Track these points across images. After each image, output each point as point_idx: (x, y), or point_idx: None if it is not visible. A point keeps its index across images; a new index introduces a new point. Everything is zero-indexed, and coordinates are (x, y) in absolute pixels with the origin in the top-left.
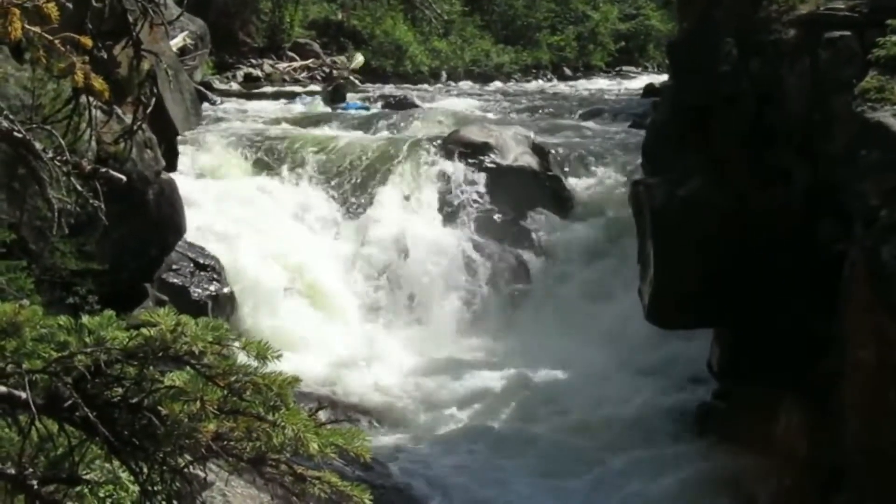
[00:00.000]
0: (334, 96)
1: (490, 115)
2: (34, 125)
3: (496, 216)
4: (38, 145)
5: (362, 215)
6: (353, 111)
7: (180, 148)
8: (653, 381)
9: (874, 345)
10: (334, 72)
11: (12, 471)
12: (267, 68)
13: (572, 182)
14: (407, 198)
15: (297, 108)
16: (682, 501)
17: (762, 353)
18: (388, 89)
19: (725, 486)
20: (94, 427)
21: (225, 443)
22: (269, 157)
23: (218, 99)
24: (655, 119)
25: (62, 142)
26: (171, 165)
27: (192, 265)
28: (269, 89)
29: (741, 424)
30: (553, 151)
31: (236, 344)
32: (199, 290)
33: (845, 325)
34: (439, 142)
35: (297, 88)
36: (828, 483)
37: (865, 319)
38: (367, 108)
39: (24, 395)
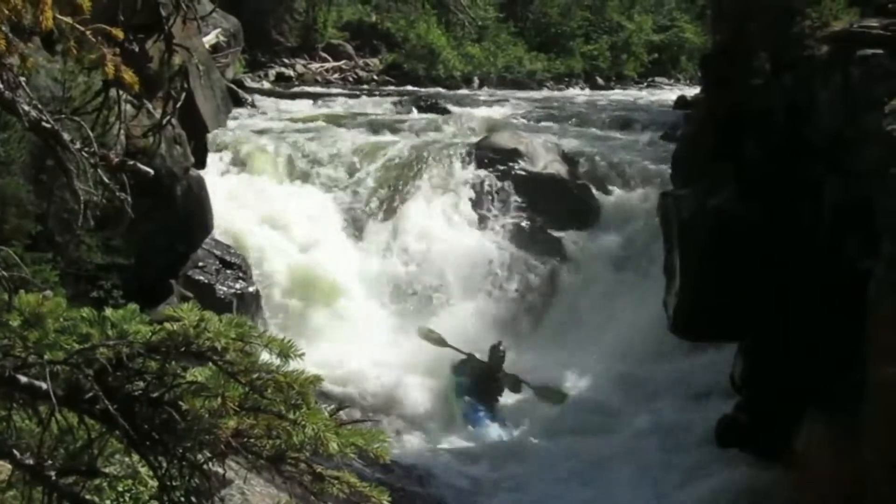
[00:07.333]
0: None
1: (521, 122)
2: (63, 115)
3: (524, 223)
4: (66, 136)
5: (389, 219)
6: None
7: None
8: (675, 392)
9: None
10: None
11: (31, 461)
12: (299, 68)
13: (601, 191)
14: (434, 203)
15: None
16: None
17: (785, 367)
18: (420, 93)
19: (746, 499)
20: (114, 420)
21: (245, 440)
22: (296, 157)
23: (249, 97)
24: (687, 131)
25: (91, 133)
26: (200, 162)
27: (218, 263)
28: (301, 89)
29: (763, 437)
30: (582, 160)
31: (259, 341)
32: (225, 288)
33: (869, 341)
34: (469, 147)
35: (333, 90)
36: (850, 497)
37: (890, 336)
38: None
39: (44, 385)
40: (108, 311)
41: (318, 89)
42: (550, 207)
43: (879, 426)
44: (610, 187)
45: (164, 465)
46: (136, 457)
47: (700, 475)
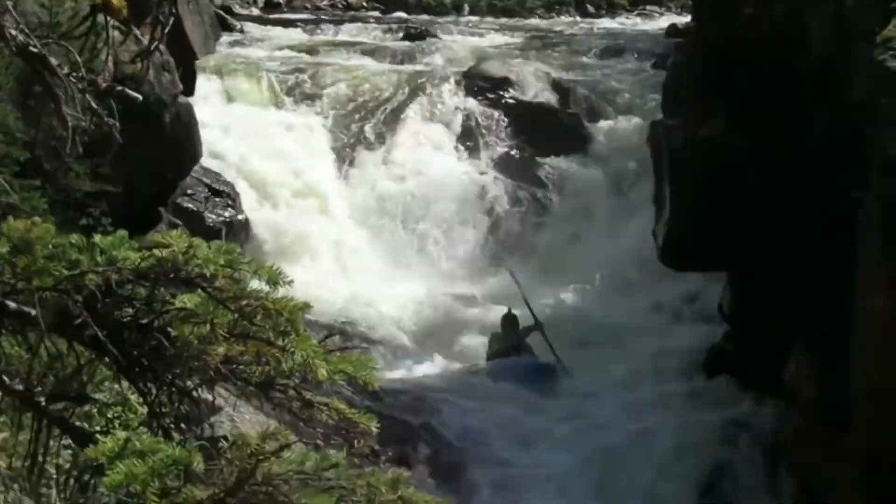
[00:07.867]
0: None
1: (511, 51)
2: (50, 41)
3: (514, 152)
4: (53, 61)
5: (378, 147)
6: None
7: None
8: (666, 320)
9: (885, 291)
10: None
11: (20, 387)
12: None
13: (591, 120)
14: (424, 132)
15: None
16: (690, 439)
17: (774, 298)
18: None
19: (733, 426)
20: (103, 346)
21: (234, 366)
22: (286, 85)
23: (237, 24)
24: (678, 60)
25: (78, 59)
26: (189, 90)
27: (207, 191)
28: (290, 16)
29: (750, 367)
30: (573, 89)
31: (248, 268)
32: (214, 216)
33: (858, 271)
34: (459, 76)
35: (322, 16)
36: (835, 425)
37: (878, 266)
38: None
39: (33, 312)
40: (98, 238)
41: (306, 16)
42: (541, 136)
43: (866, 355)
44: (601, 116)
45: (154, 391)
46: (125, 383)
47: (687, 402)
